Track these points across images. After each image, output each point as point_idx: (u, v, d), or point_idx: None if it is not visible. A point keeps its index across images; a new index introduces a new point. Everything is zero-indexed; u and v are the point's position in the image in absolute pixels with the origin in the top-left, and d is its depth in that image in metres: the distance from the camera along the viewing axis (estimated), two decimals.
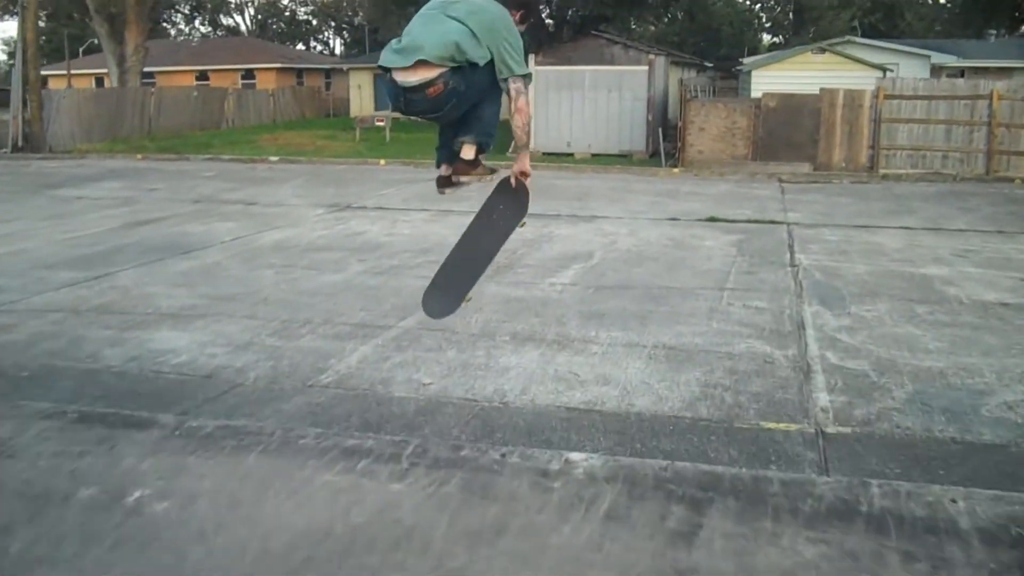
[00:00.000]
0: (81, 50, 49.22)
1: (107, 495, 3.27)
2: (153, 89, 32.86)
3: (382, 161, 21.84)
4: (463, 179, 4.23)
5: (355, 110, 41.54)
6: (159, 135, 30.01)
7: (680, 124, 20.93)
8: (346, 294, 7.96)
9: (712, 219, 12.48)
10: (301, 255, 9.83)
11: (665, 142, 21.77)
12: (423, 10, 3.91)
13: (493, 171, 4.33)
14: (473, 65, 3.76)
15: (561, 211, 13.18)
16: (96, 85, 43.52)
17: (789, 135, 20.07)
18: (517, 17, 4.01)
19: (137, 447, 3.67)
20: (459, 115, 4.00)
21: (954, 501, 3.21)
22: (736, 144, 20.49)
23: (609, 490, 3.26)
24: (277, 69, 47.02)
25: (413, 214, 12.99)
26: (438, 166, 4.41)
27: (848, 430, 4.64)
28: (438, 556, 2.86)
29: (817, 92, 19.84)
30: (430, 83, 3.71)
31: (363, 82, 43.36)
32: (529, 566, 2.81)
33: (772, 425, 4.72)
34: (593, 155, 22.72)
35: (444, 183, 4.38)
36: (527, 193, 4.45)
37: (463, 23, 3.75)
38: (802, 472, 4.07)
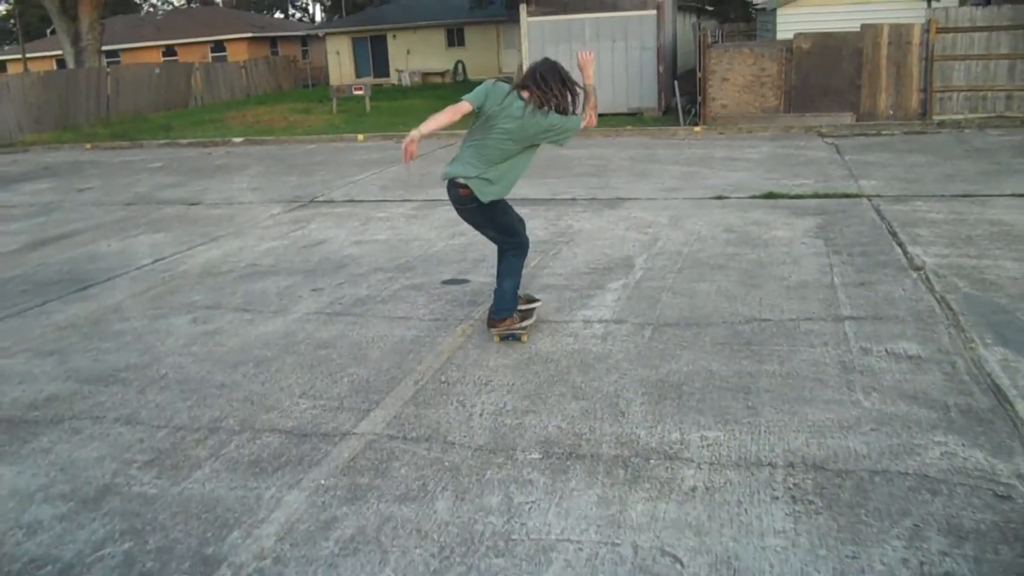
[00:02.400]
0: (49, 31, 46.04)
1: None
2: (109, 69, 29.89)
3: (360, 136, 19.10)
4: (492, 331, 5.41)
5: (335, 78, 38.60)
6: (117, 119, 27.20)
7: (700, 74, 18.13)
8: (284, 360, 5.34)
9: (770, 195, 9.82)
10: (235, 285, 7.19)
11: (680, 96, 19.02)
12: (480, 121, 5.06)
13: (524, 318, 5.44)
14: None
15: (577, 193, 10.53)
16: (59, 67, 40.53)
17: (827, 81, 17.33)
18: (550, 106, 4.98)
19: None
20: (481, 225, 5.39)
21: None
22: (765, 95, 17.73)
23: None
24: (249, 39, 43.98)
25: (391, 208, 10.32)
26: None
27: None
28: None
29: (857, 29, 17.06)
30: (463, 185, 5.09)
31: (341, 48, 40.35)
32: None
33: None
34: (599, 116, 19.92)
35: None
36: None
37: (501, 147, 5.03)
38: None
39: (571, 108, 5.07)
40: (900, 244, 7.38)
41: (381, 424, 4.33)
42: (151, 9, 64.15)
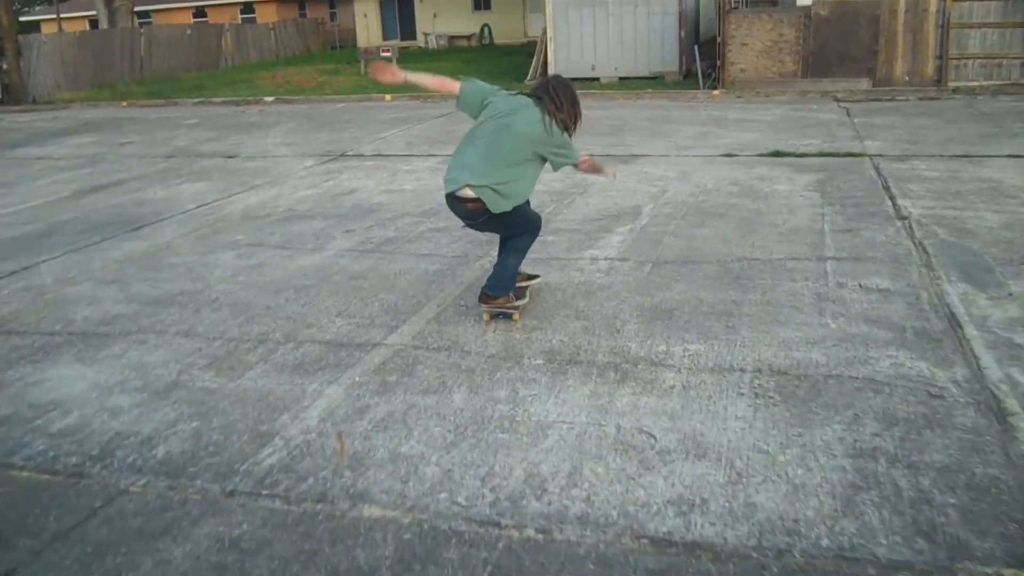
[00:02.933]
0: None
1: None
2: (143, 30, 30.56)
3: (387, 96, 19.68)
4: (483, 307, 5.16)
5: (362, 40, 39.03)
6: (151, 79, 27.91)
7: (719, 39, 18.53)
8: (322, 288, 5.99)
9: (777, 153, 10.34)
10: (274, 227, 7.85)
11: (701, 61, 19.42)
12: (487, 119, 4.86)
13: (519, 296, 5.23)
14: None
15: (594, 150, 11.02)
16: (92, 28, 41.27)
17: (844, 47, 17.68)
18: (559, 121, 4.82)
19: None
20: (494, 230, 5.24)
21: None
22: (783, 60, 18.11)
23: None
24: (278, 1, 44.41)
25: (417, 162, 10.93)
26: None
27: None
28: None
29: None
30: (472, 200, 4.81)
31: (369, 10, 40.73)
32: None
33: (1012, 573, 2.74)
34: (621, 79, 20.45)
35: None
36: None
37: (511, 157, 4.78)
38: None
39: (573, 130, 4.94)
40: (891, 197, 7.90)
41: (407, 337, 4.97)
42: None
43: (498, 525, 3.04)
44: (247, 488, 3.38)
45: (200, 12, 44.05)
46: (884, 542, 2.89)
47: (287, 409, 4.12)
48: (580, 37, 20.60)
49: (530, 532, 3.00)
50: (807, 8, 17.91)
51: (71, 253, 7.35)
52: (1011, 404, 3.84)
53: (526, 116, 4.80)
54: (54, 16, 43.07)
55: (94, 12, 36.02)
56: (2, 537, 3.12)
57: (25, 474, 3.59)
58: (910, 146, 10.54)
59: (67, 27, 40.78)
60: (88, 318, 5.64)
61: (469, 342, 4.85)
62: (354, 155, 11.79)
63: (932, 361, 4.34)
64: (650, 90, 18.43)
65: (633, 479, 3.34)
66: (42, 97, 24.72)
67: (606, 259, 6.36)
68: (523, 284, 5.45)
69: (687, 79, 20.17)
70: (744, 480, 3.30)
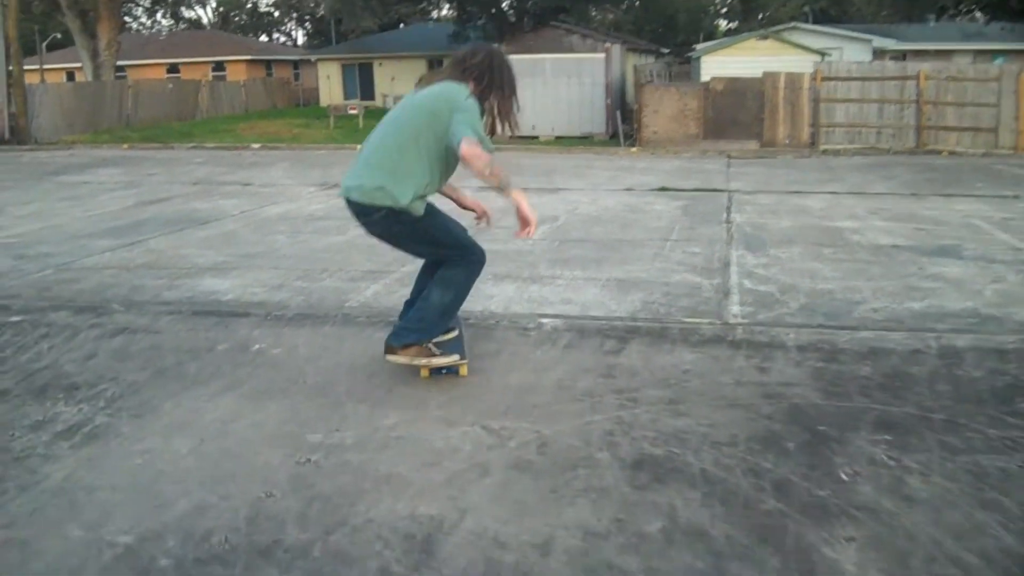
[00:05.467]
0: (44, 45, 49.91)
1: (238, 347, 4.84)
2: (130, 82, 33.93)
3: (358, 146, 23.21)
4: (390, 359, 4.69)
5: (325, 99, 42.82)
6: (138, 126, 31.18)
7: (636, 107, 22.55)
8: (352, 250, 9.46)
9: (663, 189, 14.10)
10: (305, 223, 11.31)
11: (623, 124, 23.42)
12: (389, 116, 4.63)
13: (432, 355, 4.70)
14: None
15: (529, 185, 14.74)
16: (67, 79, 44.48)
17: (736, 115, 21.78)
18: (473, 88, 4.53)
19: (244, 325, 5.22)
20: (409, 246, 4.95)
21: (788, 334, 4.89)
22: (688, 124, 22.15)
23: (566, 335, 4.88)
24: (247, 61, 48.14)
25: None
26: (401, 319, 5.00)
27: (746, 322, 6.27)
28: None
29: (760, 76, 21.54)
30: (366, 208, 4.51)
31: (331, 72, 44.62)
32: (517, 369, 4.41)
33: (690, 320, 6.33)
34: (557, 137, 24.32)
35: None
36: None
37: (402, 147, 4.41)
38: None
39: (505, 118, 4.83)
40: (729, 213, 11.65)
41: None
42: (146, 31, 67.78)
43: (468, 316, 6.57)
44: (347, 309, 6.87)
45: (173, 68, 47.47)
46: (640, 319, 6.47)
47: (352, 292, 7.59)
48: (522, 102, 24.33)
49: (491, 310, 6.54)
50: (706, 83, 22.05)
51: (165, 235, 10.71)
52: (734, 290, 7.48)
53: (435, 89, 4.43)
54: (36, 67, 46.16)
55: (74, 64, 39.36)
56: (264, 319, 6.54)
57: (229, 308, 7.03)
58: (761, 185, 14.41)
59: (48, 77, 43.86)
60: (206, 262, 9.03)
61: None
62: None
63: (703, 277, 7.98)
64: (580, 147, 22.31)
65: (535, 309, 6.89)
66: (43, 139, 27.82)
67: (531, 239, 9.93)
68: (443, 338, 4.82)
69: (612, 139, 24.15)
70: (588, 309, 6.86)
